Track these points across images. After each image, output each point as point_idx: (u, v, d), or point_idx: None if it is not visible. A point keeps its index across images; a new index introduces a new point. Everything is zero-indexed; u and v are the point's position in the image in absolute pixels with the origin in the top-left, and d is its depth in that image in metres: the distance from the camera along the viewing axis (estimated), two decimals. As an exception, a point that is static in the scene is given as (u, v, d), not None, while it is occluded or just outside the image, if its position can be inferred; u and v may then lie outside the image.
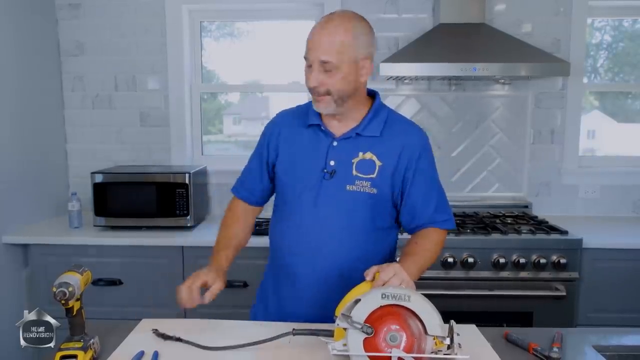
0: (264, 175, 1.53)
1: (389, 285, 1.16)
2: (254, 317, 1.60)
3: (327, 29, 1.30)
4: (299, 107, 1.53)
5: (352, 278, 1.29)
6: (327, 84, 1.31)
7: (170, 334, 1.30)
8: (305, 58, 1.34)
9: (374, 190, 1.37)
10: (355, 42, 1.30)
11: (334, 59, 1.28)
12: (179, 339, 1.28)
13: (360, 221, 1.38)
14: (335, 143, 1.39)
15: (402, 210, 1.43)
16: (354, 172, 1.37)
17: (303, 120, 1.45)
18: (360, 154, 1.37)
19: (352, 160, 1.37)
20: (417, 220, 1.42)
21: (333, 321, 1.11)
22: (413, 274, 1.26)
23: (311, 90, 1.35)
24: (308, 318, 1.37)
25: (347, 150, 1.38)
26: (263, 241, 2.28)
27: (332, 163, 1.38)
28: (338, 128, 1.41)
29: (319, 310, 1.38)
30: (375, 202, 1.38)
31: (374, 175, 1.36)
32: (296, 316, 1.40)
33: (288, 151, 1.45)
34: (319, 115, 1.41)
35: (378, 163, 1.37)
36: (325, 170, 1.38)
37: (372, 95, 1.46)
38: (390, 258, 1.49)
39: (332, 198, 1.37)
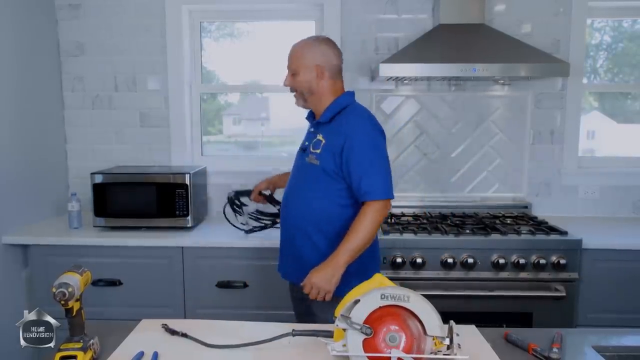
0: None
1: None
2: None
3: (293, 47, 1.85)
4: None
5: (301, 224, 1.80)
6: (292, 84, 1.84)
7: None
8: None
9: (317, 162, 1.76)
10: (306, 51, 1.80)
11: (293, 65, 1.82)
12: (185, 335, 1.29)
13: (311, 186, 1.78)
14: (312, 129, 1.89)
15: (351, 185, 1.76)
16: (311, 149, 1.80)
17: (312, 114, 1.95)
18: (319, 135, 1.80)
19: (313, 140, 1.82)
20: (355, 193, 1.73)
21: (332, 321, 1.11)
22: (337, 262, 1.66)
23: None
24: (284, 265, 1.92)
25: (314, 134, 1.84)
26: (261, 242, 2.31)
27: (306, 143, 1.86)
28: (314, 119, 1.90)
29: (288, 255, 1.90)
30: (322, 172, 1.75)
31: (319, 151, 1.77)
32: (281, 263, 1.95)
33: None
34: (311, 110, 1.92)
35: (323, 141, 1.77)
36: (302, 148, 1.89)
37: (347, 95, 1.87)
38: (339, 222, 1.77)
39: (299, 168, 1.88)
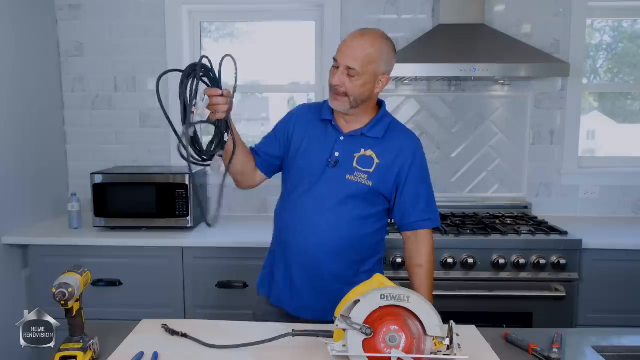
0: (274, 145, 1.67)
1: None
2: (260, 285, 1.73)
3: (361, 40, 1.48)
4: (316, 103, 1.72)
5: (340, 259, 1.54)
6: (346, 86, 1.49)
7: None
8: (335, 59, 1.51)
9: (370, 183, 1.54)
10: (379, 58, 1.49)
11: (359, 67, 1.47)
12: (185, 335, 1.29)
13: (352, 208, 1.54)
14: (342, 138, 1.58)
15: (394, 208, 1.60)
16: (355, 165, 1.54)
17: (318, 114, 1.64)
18: (362, 150, 1.56)
19: (355, 155, 1.55)
20: (407, 218, 1.60)
21: (332, 321, 1.11)
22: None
23: (331, 87, 1.52)
24: (299, 299, 1.58)
25: (352, 145, 1.56)
26: (261, 241, 2.30)
27: (336, 154, 1.56)
28: (346, 126, 1.59)
29: (310, 290, 1.56)
30: (369, 193, 1.55)
31: (371, 170, 1.54)
32: (290, 298, 1.59)
33: (300, 138, 1.63)
34: (332, 112, 1.60)
35: (376, 160, 1.55)
36: (330, 160, 1.55)
37: (379, 103, 1.64)
38: (376, 247, 1.64)
39: (332, 184, 1.54)
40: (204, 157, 1.42)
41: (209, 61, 1.38)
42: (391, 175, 1.55)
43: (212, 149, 1.42)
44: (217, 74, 1.42)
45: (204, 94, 1.38)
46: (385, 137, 1.57)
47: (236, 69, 1.39)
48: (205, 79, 1.40)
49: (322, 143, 1.58)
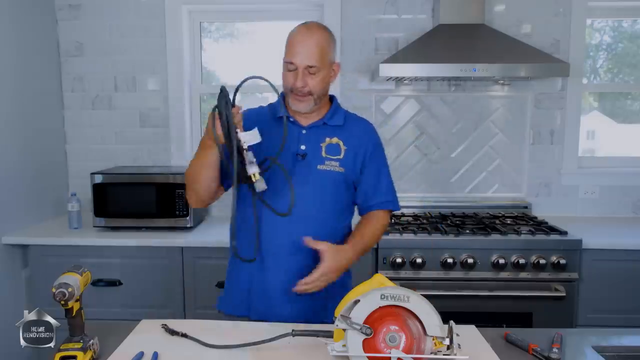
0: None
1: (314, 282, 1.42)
2: (220, 305, 1.65)
3: (312, 36, 1.48)
4: (260, 106, 1.68)
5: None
6: (310, 85, 1.49)
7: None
8: (290, 63, 1.48)
9: (342, 170, 1.55)
10: (330, 48, 1.52)
11: (318, 63, 1.47)
12: (184, 335, 1.29)
13: (330, 198, 1.55)
14: (304, 131, 1.57)
15: (358, 192, 1.62)
16: (324, 154, 1.54)
17: (270, 114, 1.61)
18: (327, 139, 1.56)
19: (321, 144, 1.55)
20: (369, 200, 1.62)
21: (332, 321, 1.11)
22: (351, 259, 1.51)
23: (293, 90, 1.50)
24: (279, 295, 1.50)
25: (316, 136, 1.57)
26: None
27: (303, 147, 1.55)
28: (305, 120, 1.58)
29: (291, 284, 1.46)
30: (343, 180, 1.56)
31: (340, 157, 1.55)
32: (270, 293, 1.52)
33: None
34: (286, 108, 1.56)
35: (343, 147, 1.56)
36: (297, 154, 1.53)
37: (330, 97, 1.65)
38: (346, 236, 1.60)
39: (305, 177, 1.52)
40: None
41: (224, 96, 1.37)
42: (358, 161, 1.57)
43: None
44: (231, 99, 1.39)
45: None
46: (346, 124, 1.60)
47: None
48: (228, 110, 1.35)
49: (280, 141, 1.46)
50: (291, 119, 1.57)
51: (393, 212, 1.70)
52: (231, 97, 1.36)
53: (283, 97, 1.57)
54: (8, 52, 2.40)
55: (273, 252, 1.51)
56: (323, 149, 1.55)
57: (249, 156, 1.31)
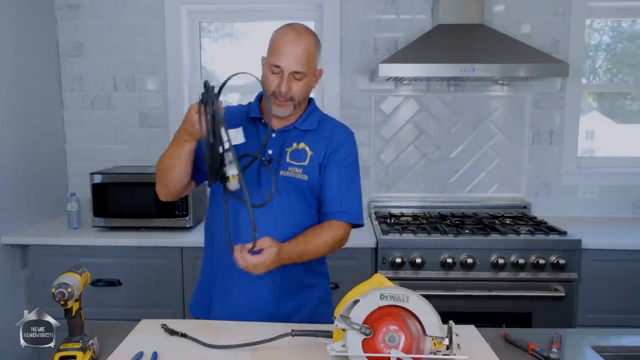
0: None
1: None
2: (194, 312, 1.61)
3: (300, 42, 1.43)
4: (240, 105, 1.64)
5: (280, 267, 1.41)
6: (293, 90, 1.44)
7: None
8: (276, 66, 1.43)
9: (306, 177, 1.48)
10: (316, 53, 1.48)
11: (305, 69, 1.43)
12: (184, 335, 1.29)
13: (295, 205, 1.48)
14: (273, 135, 1.51)
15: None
16: (288, 160, 1.49)
17: (244, 114, 1.55)
18: (295, 144, 1.50)
19: (287, 149, 1.49)
20: (324, 207, 1.51)
21: (331, 321, 1.11)
22: (283, 260, 1.37)
23: (275, 94, 1.44)
24: (249, 299, 1.48)
25: (284, 140, 1.51)
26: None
27: (270, 152, 1.49)
28: (278, 123, 1.52)
29: (259, 291, 1.47)
30: (308, 188, 1.49)
31: (305, 163, 1.49)
32: (241, 301, 1.48)
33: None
34: (259, 109, 1.53)
35: (310, 153, 1.50)
36: (264, 159, 1.47)
37: (308, 100, 1.58)
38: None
39: (268, 183, 1.45)
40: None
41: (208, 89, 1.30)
42: (318, 166, 1.49)
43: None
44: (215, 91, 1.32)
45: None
46: (319, 128, 1.53)
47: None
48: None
49: (254, 143, 1.45)
50: (263, 121, 1.52)
51: (352, 224, 1.54)
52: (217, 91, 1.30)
53: (260, 97, 1.55)
54: (7, 52, 2.40)
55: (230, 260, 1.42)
56: (288, 154, 1.49)
57: (229, 156, 1.24)
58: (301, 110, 1.54)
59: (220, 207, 1.44)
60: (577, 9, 2.73)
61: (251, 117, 1.53)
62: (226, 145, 1.24)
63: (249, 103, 1.60)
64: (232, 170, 1.25)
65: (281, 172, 1.47)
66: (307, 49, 1.43)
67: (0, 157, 2.35)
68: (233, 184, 1.27)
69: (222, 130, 1.24)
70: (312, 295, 1.56)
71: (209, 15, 2.95)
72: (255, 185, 1.46)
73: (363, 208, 1.58)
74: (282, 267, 1.41)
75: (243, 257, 1.31)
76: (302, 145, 1.50)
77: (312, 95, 1.59)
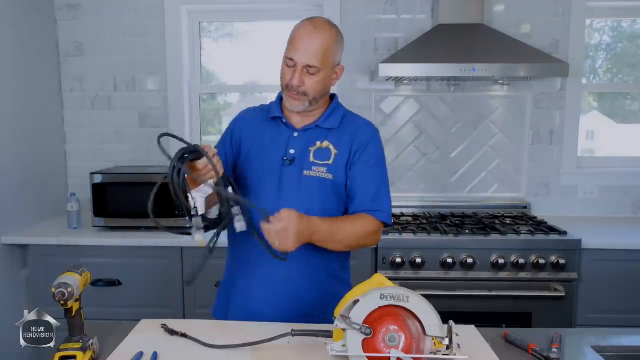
0: (225, 157, 1.53)
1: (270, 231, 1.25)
2: (216, 314, 1.60)
3: (316, 34, 1.40)
4: (262, 105, 1.62)
5: (312, 262, 1.43)
6: (306, 85, 1.41)
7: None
8: (289, 59, 1.41)
9: (330, 176, 1.44)
10: (335, 49, 1.44)
11: (319, 64, 1.39)
12: (184, 335, 1.29)
13: (319, 205, 1.43)
14: (295, 134, 1.49)
15: (347, 194, 1.48)
16: (311, 159, 1.45)
17: (266, 114, 1.54)
18: (318, 143, 1.47)
19: (310, 149, 1.46)
20: (353, 205, 1.47)
21: (331, 321, 1.11)
22: (310, 228, 1.31)
23: (289, 87, 1.43)
24: (274, 304, 1.45)
25: (307, 139, 1.48)
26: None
27: (292, 151, 1.47)
28: (299, 122, 1.50)
29: (285, 295, 1.45)
30: (332, 187, 1.45)
31: (329, 162, 1.45)
32: (262, 305, 1.46)
33: (250, 143, 1.52)
34: (281, 108, 1.51)
35: (334, 151, 1.46)
36: (285, 158, 1.46)
37: (331, 96, 1.56)
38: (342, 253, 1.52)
39: (292, 183, 1.44)
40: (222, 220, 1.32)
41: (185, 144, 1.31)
42: (345, 165, 1.46)
43: (227, 211, 1.31)
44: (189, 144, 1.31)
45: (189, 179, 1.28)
46: (341, 126, 1.49)
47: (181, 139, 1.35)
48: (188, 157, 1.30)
49: (275, 142, 1.48)
50: (284, 120, 1.50)
51: (386, 223, 1.49)
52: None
53: (281, 96, 1.52)
54: (7, 52, 2.40)
55: (253, 260, 1.46)
56: (312, 153, 1.45)
57: (197, 221, 1.27)
58: (323, 107, 1.51)
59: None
60: (577, 9, 2.73)
61: (272, 116, 1.51)
62: (193, 212, 1.27)
63: (271, 102, 1.57)
64: (197, 236, 1.28)
65: (304, 172, 1.44)
66: (324, 44, 1.39)
67: (1, 157, 2.34)
68: (239, 226, 1.30)
69: (190, 196, 1.26)
70: (332, 303, 1.44)
71: (209, 15, 2.95)
72: (275, 189, 1.44)
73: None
74: (304, 271, 1.42)
75: (267, 226, 1.25)
76: (326, 143, 1.47)
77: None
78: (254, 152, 1.50)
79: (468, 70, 2.36)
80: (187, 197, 1.27)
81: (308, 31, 1.41)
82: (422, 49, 2.52)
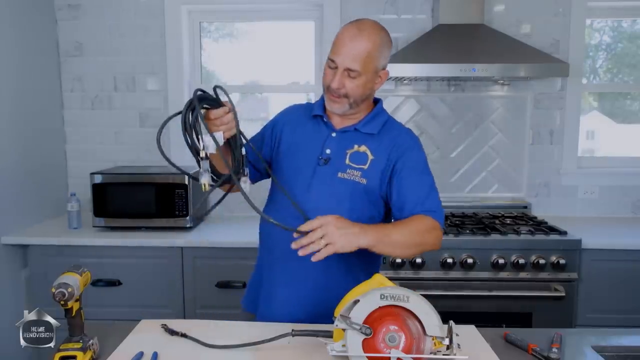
0: (262, 148, 1.57)
1: (310, 235, 1.21)
2: (247, 307, 1.62)
3: (360, 37, 1.37)
4: (308, 103, 1.64)
5: (337, 265, 1.41)
6: (347, 87, 1.39)
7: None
8: (331, 60, 1.40)
9: (364, 181, 1.43)
10: (379, 54, 1.40)
11: (360, 68, 1.37)
12: (184, 335, 1.29)
13: (349, 208, 1.41)
14: (334, 134, 1.48)
15: (392, 204, 1.46)
16: (347, 162, 1.44)
17: (309, 112, 1.55)
18: (356, 146, 1.46)
19: (347, 151, 1.45)
20: (405, 211, 1.42)
21: (332, 321, 1.11)
22: (358, 231, 1.25)
23: (329, 89, 1.42)
24: (301, 304, 1.44)
25: (344, 141, 1.47)
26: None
27: (327, 151, 1.46)
28: (339, 123, 1.50)
29: (310, 295, 1.44)
30: (365, 192, 1.44)
31: (365, 167, 1.44)
32: (288, 303, 1.46)
33: (289, 138, 1.53)
34: (323, 107, 1.50)
35: (370, 157, 1.45)
36: (321, 157, 1.46)
37: (375, 101, 1.54)
38: (371, 258, 1.48)
39: (324, 184, 1.44)
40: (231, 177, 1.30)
41: (202, 91, 1.29)
42: (387, 172, 1.44)
43: (236, 169, 1.33)
44: (214, 95, 1.31)
45: (204, 121, 1.26)
46: (381, 133, 1.47)
47: (227, 93, 1.32)
48: (206, 106, 1.31)
49: (313, 140, 1.49)
50: (324, 119, 1.50)
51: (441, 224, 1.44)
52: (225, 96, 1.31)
53: None
54: (8, 52, 2.40)
55: (277, 257, 1.47)
56: (348, 156, 1.45)
57: (204, 164, 1.25)
58: (366, 111, 1.50)
59: (273, 203, 1.50)
60: (577, 9, 2.73)
61: (314, 114, 1.52)
62: (202, 154, 1.24)
63: (316, 101, 1.58)
64: (203, 178, 1.26)
65: (339, 174, 1.43)
66: (367, 48, 1.37)
67: (1, 157, 2.34)
68: (244, 187, 1.30)
69: (198, 137, 1.24)
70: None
71: (209, 15, 2.95)
72: (305, 186, 1.43)
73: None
74: (324, 273, 1.41)
75: (305, 226, 1.23)
76: (363, 148, 1.45)
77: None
78: (292, 147, 1.52)
79: (468, 70, 2.36)
80: (198, 139, 1.24)
81: (351, 34, 1.39)
82: (422, 49, 2.52)
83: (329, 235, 1.21)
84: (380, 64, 1.42)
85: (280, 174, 1.52)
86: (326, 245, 1.21)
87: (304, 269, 1.41)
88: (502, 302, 2.24)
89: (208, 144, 1.23)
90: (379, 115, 1.51)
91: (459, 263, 2.27)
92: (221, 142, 1.26)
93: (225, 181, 1.33)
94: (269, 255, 1.52)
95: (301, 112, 1.58)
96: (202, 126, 1.24)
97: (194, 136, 1.24)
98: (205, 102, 1.28)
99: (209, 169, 1.27)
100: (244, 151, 1.34)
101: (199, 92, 1.26)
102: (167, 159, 1.29)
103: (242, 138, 1.36)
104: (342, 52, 1.38)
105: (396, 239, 1.32)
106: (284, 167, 1.51)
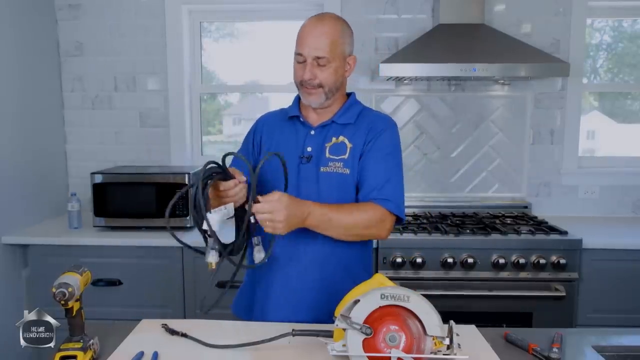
0: (251, 158, 1.57)
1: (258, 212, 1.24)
2: (237, 312, 1.62)
3: (322, 27, 1.43)
4: (282, 108, 1.64)
5: (329, 260, 1.44)
6: (319, 77, 1.43)
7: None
8: (299, 54, 1.44)
9: (347, 171, 1.45)
10: (343, 40, 1.45)
11: (328, 54, 1.42)
12: (184, 335, 1.29)
13: (337, 200, 1.43)
14: (312, 132, 1.51)
15: (356, 184, 1.47)
16: (327, 155, 1.46)
17: (284, 115, 1.57)
18: (334, 138, 1.48)
19: (326, 145, 1.48)
20: (360, 195, 1.45)
21: (332, 321, 1.11)
22: (305, 210, 1.30)
23: (303, 83, 1.46)
24: (293, 302, 1.46)
25: (323, 136, 1.49)
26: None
27: (309, 149, 1.48)
28: (316, 120, 1.53)
29: (306, 298, 1.46)
30: (350, 182, 1.45)
31: (345, 156, 1.46)
32: (283, 306, 1.47)
33: (269, 143, 1.55)
34: (299, 108, 1.54)
35: (349, 145, 1.47)
36: (302, 156, 1.48)
37: (349, 94, 1.58)
38: (366, 245, 1.54)
39: (309, 181, 1.46)
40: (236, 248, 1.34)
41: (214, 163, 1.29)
42: (358, 157, 1.45)
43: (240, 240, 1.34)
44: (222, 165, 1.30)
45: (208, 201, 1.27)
46: (358, 121, 1.50)
47: (246, 161, 1.30)
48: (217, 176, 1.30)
49: (292, 141, 1.50)
50: (301, 119, 1.52)
51: (396, 215, 1.45)
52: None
53: (299, 97, 1.54)
54: (8, 52, 2.40)
55: (272, 260, 1.46)
56: (327, 149, 1.46)
57: (209, 242, 1.25)
58: (339, 103, 1.53)
59: None
60: (577, 9, 2.73)
61: (289, 116, 1.54)
62: (209, 232, 1.23)
63: (290, 105, 1.60)
64: (210, 257, 1.27)
65: (321, 169, 1.45)
66: (330, 34, 1.42)
67: (1, 156, 2.35)
68: (258, 257, 1.34)
69: (206, 215, 1.22)
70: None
71: (209, 15, 2.95)
72: (294, 187, 1.43)
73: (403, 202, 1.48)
74: (320, 274, 1.43)
75: (257, 206, 1.25)
76: (341, 138, 1.48)
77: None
78: (272, 151, 1.49)
79: (468, 70, 2.36)
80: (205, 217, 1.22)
81: (312, 24, 1.44)
82: (422, 48, 2.52)
83: (275, 223, 1.25)
84: (346, 49, 1.47)
85: (266, 177, 1.49)
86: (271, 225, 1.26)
87: (300, 271, 1.45)
88: (503, 302, 2.24)
89: (213, 221, 1.22)
90: (354, 105, 1.54)
91: (460, 263, 2.27)
92: (231, 213, 1.27)
93: (233, 252, 1.34)
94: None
95: (276, 117, 1.60)
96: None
97: (202, 212, 1.22)
98: (217, 175, 1.28)
99: (216, 247, 1.26)
100: (252, 219, 1.28)
101: (209, 165, 1.26)
102: (178, 239, 1.34)
103: (253, 169, 1.30)
104: (307, 43, 1.42)
105: (335, 225, 1.36)
106: (269, 170, 1.47)
